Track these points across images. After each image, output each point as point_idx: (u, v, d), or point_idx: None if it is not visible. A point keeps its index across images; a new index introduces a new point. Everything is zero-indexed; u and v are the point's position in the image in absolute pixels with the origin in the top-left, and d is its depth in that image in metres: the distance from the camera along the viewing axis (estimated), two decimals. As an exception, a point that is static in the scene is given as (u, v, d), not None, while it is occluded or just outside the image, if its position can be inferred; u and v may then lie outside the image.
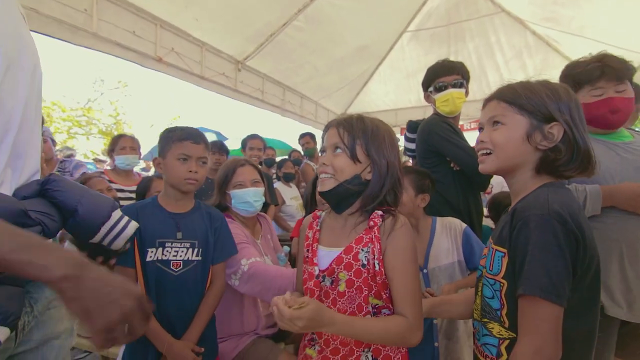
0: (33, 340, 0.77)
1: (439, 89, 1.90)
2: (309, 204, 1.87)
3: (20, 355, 0.75)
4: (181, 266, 1.23)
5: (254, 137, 3.55)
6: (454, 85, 1.87)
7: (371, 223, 0.93)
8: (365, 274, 0.91)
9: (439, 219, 1.60)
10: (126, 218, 0.88)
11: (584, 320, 0.78)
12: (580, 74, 1.32)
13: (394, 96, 6.20)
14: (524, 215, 0.76)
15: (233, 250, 1.37)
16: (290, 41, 4.23)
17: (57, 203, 0.77)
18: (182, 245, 1.24)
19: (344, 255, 0.93)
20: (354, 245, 0.94)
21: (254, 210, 1.58)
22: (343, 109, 6.78)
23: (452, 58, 2.03)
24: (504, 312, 0.81)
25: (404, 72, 5.63)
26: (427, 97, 2.01)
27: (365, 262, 0.91)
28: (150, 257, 1.20)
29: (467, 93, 1.92)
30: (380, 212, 0.94)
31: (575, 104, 0.82)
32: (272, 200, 3.22)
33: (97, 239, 0.84)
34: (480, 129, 0.92)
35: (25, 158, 0.76)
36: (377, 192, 0.93)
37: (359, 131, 0.94)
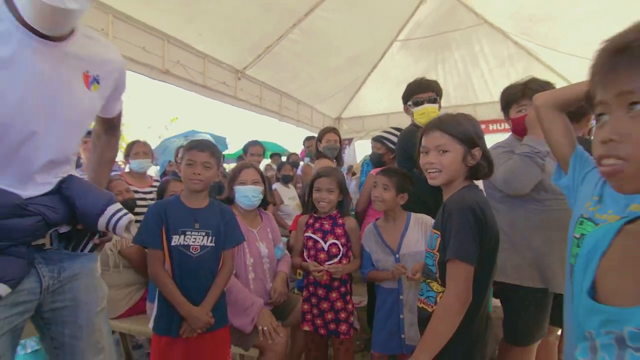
0: (67, 299, 0.99)
1: (416, 104, 2.21)
2: (308, 204, 2.04)
3: (57, 310, 0.98)
4: (199, 250, 1.52)
5: (255, 143, 3.77)
6: (429, 101, 2.18)
7: None
8: None
9: (413, 215, 1.89)
10: (124, 211, 0.96)
11: (482, 278, 1.10)
12: (510, 95, 1.66)
13: (387, 102, 6.52)
14: (449, 208, 1.11)
15: (241, 238, 1.68)
16: (286, 52, 4.54)
17: (65, 197, 0.91)
18: (199, 234, 1.53)
19: None
20: None
21: (251, 204, 1.93)
22: (338, 113, 7.08)
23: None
24: (438, 274, 1.15)
25: (394, 79, 5.95)
26: (407, 110, 2.31)
27: None
28: (175, 242, 1.49)
29: (439, 107, 2.23)
30: None
31: (479, 128, 1.16)
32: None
33: (100, 228, 0.95)
34: (425, 152, 1.18)
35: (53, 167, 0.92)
36: None
37: None
